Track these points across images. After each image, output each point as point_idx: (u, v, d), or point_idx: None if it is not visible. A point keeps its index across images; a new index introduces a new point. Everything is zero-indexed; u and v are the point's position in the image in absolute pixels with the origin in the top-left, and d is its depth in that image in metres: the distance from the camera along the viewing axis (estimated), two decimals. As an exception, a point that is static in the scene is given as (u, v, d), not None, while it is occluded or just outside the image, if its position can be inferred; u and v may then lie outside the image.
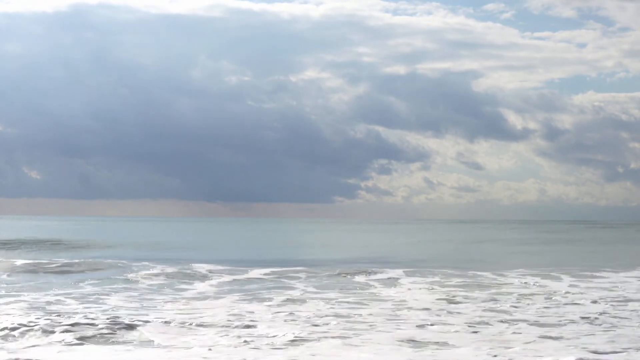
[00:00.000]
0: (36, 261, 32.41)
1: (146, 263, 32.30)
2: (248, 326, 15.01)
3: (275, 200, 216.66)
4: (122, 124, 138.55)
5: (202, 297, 20.58)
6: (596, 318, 16.66)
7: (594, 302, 19.81)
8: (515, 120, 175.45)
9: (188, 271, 28.53)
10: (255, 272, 28.27)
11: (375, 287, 23.60)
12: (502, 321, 16.12)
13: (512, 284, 24.94)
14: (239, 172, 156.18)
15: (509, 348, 12.91)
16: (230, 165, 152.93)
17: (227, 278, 26.30)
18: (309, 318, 16.15)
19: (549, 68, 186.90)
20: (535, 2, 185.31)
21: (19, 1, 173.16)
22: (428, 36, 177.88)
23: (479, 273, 28.73)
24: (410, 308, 18.24)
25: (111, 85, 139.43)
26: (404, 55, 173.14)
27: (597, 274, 28.86)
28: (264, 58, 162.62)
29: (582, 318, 16.67)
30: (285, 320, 15.80)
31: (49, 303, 18.56)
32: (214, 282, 25.05)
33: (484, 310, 17.84)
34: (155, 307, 18.11)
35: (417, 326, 15.35)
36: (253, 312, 17.06)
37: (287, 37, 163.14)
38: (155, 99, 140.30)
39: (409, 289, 23.01)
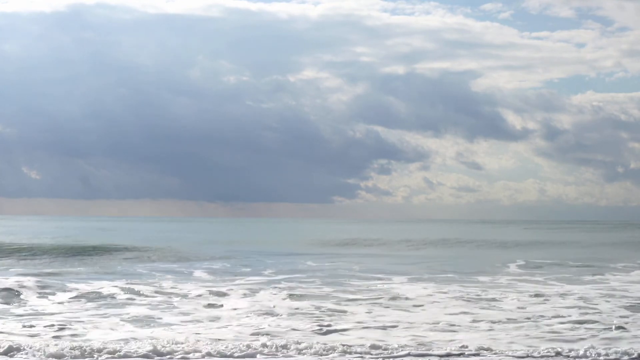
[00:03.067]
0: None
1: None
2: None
3: (274, 200, 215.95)
4: (121, 124, 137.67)
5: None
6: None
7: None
8: (514, 120, 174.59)
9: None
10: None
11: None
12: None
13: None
14: (238, 172, 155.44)
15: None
16: (230, 166, 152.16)
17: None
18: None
19: (547, 68, 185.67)
20: (533, 2, 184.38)
21: (16, 1, 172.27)
22: (426, 36, 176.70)
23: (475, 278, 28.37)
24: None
25: (110, 85, 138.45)
26: (403, 55, 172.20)
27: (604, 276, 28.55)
28: (262, 58, 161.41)
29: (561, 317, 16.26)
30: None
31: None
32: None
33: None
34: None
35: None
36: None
37: (285, 37, 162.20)
38: (153, 98, 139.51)
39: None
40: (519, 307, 18.53)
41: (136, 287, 22.33)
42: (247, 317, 16.74)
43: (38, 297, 20.20)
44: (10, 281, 23.20)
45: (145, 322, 16.01)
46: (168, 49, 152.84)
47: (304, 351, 12.95)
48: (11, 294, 20.56)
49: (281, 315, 17.00)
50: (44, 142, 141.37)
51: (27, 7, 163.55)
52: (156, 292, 21.40)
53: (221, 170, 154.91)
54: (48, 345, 12.90)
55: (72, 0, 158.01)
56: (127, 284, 23.56)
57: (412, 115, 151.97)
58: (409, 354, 12.87)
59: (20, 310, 17.67)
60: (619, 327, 15.46)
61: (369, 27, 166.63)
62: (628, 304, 19.28)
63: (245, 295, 20.90)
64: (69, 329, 14.96)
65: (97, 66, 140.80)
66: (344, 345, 13.39)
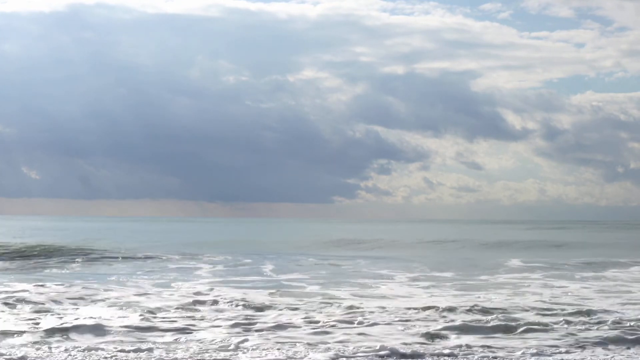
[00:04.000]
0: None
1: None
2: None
3: (274, 200, 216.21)
4: (121, 124, 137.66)
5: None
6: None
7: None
8: (514, 120, 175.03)
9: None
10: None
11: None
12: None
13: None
14: (238, 172, 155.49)
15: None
16: (229, 165, 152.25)
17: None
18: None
19: (547, 68, 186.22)
20: (533, 2, 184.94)
21: (16, 1, 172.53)
22: (426, 36, 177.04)
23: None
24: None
25: (109, 85, 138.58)
26: (402, 55, 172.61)
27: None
28: (262, 58, 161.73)
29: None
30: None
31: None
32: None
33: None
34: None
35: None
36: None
37: (284, 37, 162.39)
38: (153, 99, 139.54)
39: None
40: (508, 302, 18.43)
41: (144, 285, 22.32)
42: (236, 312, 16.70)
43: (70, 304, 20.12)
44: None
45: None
46: (167, 49, 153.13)
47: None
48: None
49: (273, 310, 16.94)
50: (44, 142, 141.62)
51: (27, 7, 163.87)
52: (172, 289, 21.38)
53: (221, 170, 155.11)
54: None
55: (71, 0, 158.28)
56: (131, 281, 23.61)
57: (412, 115, 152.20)
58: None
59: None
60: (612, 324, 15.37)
61: (369, 27, 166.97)
62: (624, 302, 19.20)
63: (241, 293, 20.86)
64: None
65: (96, 66, 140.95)
66: (336, 342, 13.37)
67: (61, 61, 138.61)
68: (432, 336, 14.01)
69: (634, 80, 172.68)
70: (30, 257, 36.15)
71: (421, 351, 12.68)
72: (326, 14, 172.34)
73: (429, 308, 17.29)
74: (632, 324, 15.16)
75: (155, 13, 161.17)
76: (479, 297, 20.16)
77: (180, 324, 15.15)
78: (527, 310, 17.22)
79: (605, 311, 17.13)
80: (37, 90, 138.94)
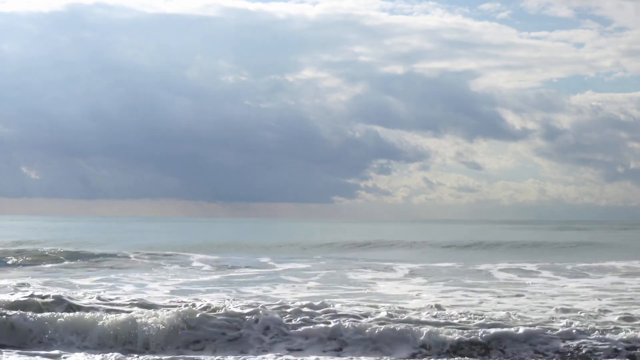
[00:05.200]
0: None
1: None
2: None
3: (274, 201, 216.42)
4: (120, 124, 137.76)
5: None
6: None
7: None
8: (513, 120, 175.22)
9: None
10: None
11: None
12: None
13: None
14: (238, 172, 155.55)
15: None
16: (229, 166, 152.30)
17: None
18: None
19: (546, 68, 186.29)
20: (532, 2, 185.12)
21: (15, 1, 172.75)
22: (425, 36, 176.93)
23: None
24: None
25: (108, 85, 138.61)
26: (401, 54, 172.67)
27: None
28: (261, 58, 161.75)
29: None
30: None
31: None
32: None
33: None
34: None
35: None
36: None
37: (283, 37, 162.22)
38: (152, 99, 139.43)
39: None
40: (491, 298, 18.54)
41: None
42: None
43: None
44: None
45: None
46: (166, 49, 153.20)
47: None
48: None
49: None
50: (44, 142, 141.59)
51: (26, 7, 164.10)
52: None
53: (221, 170, 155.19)
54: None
55: (70, 0, 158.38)
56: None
57: (412, 115, 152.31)
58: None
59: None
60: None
61: (368, 27, 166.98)
62: (616, 302, 19.29)
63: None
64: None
65: (95, 66, 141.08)
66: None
67: (60, 61, 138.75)
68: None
69: (634, 80, 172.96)
70: (26, 256, 36.20)
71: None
72: (325, 14, 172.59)
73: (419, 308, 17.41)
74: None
75: (154, 13, 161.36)
76: (473, 295, 20.29)
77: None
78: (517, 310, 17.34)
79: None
80: (37, 91, 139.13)
